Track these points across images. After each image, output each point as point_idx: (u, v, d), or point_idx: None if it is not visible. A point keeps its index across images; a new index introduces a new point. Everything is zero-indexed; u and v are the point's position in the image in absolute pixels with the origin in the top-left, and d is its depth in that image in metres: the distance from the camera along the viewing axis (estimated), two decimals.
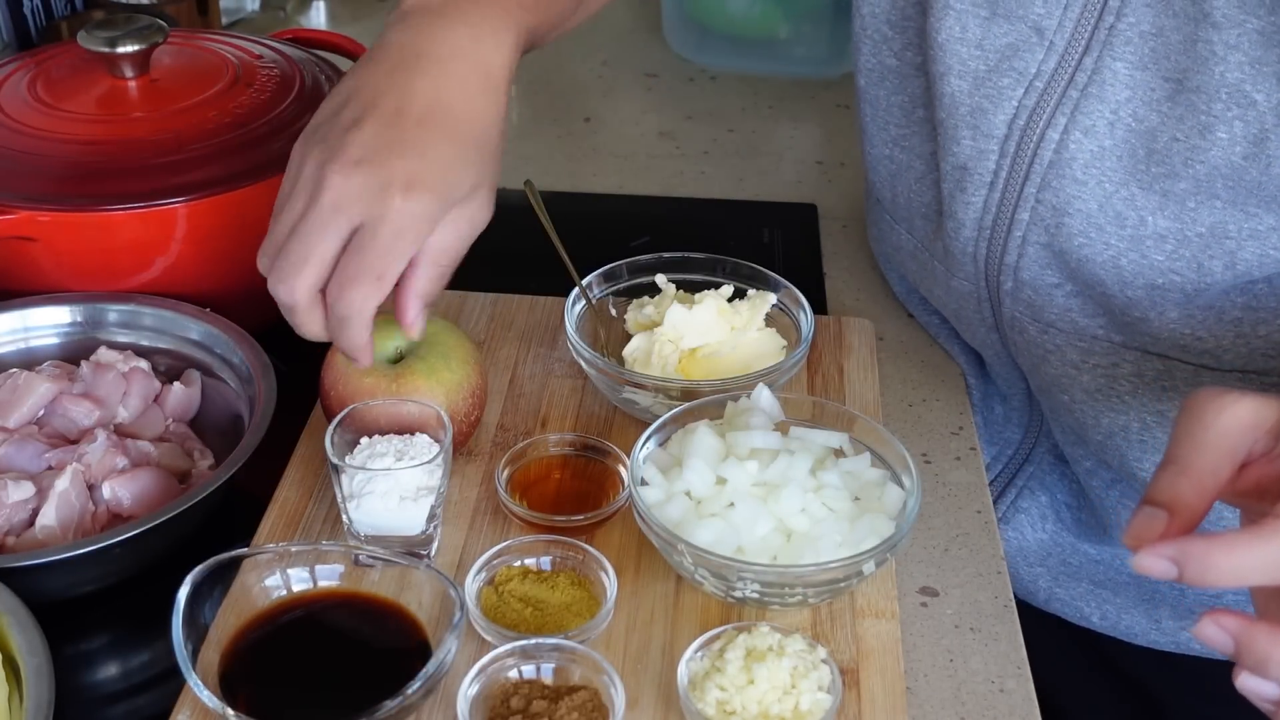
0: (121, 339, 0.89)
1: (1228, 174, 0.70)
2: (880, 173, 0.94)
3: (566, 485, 0.81)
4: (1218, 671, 0.90)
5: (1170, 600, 0.89)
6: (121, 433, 0.83)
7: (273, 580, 0.70)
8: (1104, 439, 0.82)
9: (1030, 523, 0.93)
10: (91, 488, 0.78)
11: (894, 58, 0.87)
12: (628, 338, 0.89)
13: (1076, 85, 0.74)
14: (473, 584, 0.72)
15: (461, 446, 0.83)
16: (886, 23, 0.87)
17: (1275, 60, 0.67)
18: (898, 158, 0.91)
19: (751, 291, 0.91)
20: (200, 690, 0.62)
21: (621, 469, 0.80)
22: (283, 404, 0.80)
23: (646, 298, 0.92)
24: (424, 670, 0.63)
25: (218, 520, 0.80)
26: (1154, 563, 0.51)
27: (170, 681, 0.70)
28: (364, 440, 0.75)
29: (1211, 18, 0.69)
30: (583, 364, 0.86)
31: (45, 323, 0.90)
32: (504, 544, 0.74)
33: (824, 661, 0.66)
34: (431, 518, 0.74)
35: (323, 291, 0.71)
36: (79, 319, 0.90)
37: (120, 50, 0.95)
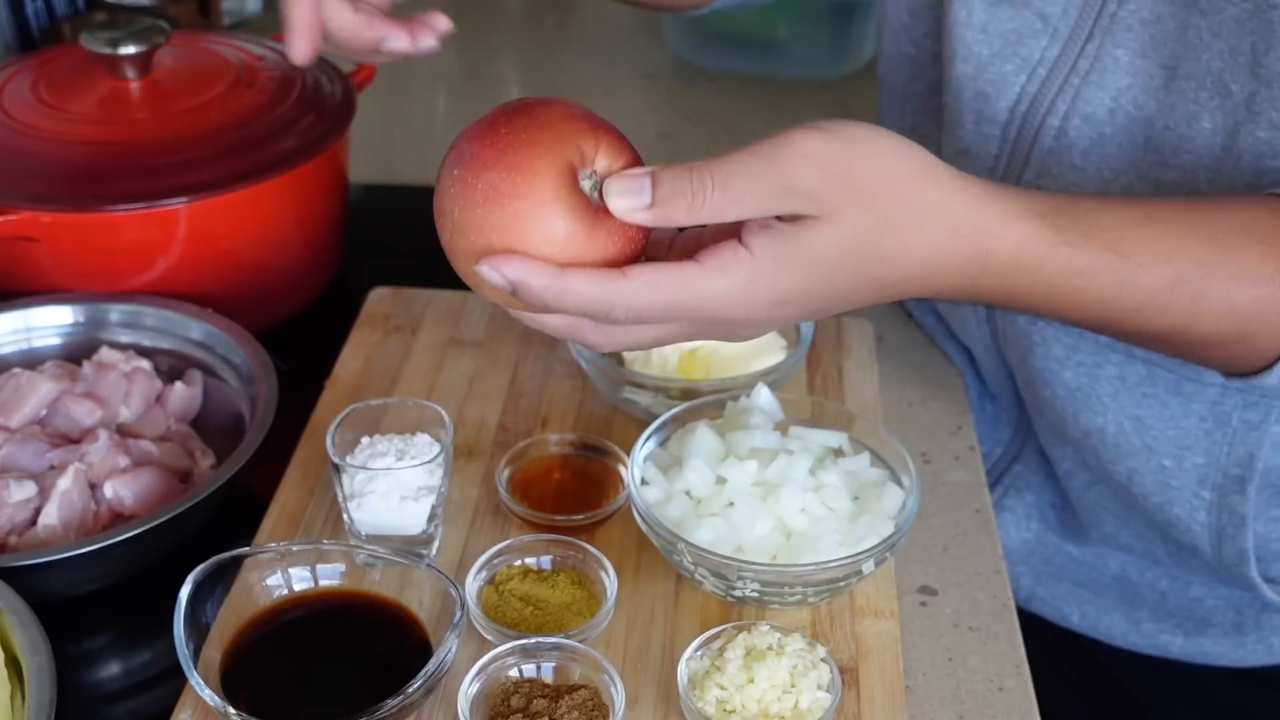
0: (123, 339, 0.90)
1: (1209, 164, 0.71)
2: None
3: (566, 485, 0.81)
4: (1197, 675, 0.90)
5: (1150, 602, 0.89)
6: (123, 432, 0.83)
7: (274, 579, 0.70)
8: (1082, 438, 0.82)
9: (1015, 521, 0.93)
10: (93, 487, 0.78)
11: (911, 45, 0.88)
12: None
13: (1078, 72, 0.75)
14: (473, 583, 0.72)
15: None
16: (907, 10, 0.87)
17: (1248, 50, 0.68)
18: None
19: None
20: (202, 689, 0.62)
21: (621, 469, 0.80)
22: (284, 404, 0.81)
23: None
24: (425, 669, 0.63)
25: (219, 519, 0.81)
26: (494, 276, 0.55)
27: (172, 680, 0.70)
28: (365, 440, 0.75)
29: (1199, 4, 0.69)
30: (583, 364, 0.87)
31: (47, 323, 0.90)
32: (504, 543, 0.74)
33: (823, 660, 0.66)
34: (432, 517, 0.74)
35: None
36: (81, 319, 0.90)
37: (122, 51, 0.95)
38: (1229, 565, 0.82)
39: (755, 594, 0.71)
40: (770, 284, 0.56)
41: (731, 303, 0.56)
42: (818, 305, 0.58)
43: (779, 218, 0.56)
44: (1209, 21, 0.69)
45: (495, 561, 0.73)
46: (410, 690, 0.62)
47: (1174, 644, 0.89)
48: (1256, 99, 0.68)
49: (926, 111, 0.88)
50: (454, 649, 0.65)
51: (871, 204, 0.56)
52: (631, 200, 0.56)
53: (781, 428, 0.78)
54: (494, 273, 0.55)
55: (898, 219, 0.57)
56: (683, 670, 0.66)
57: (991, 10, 0.77)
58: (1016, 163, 0.79)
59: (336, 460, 0.73)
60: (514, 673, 0.67)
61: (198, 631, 0.65)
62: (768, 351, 0.87)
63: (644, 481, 0.75)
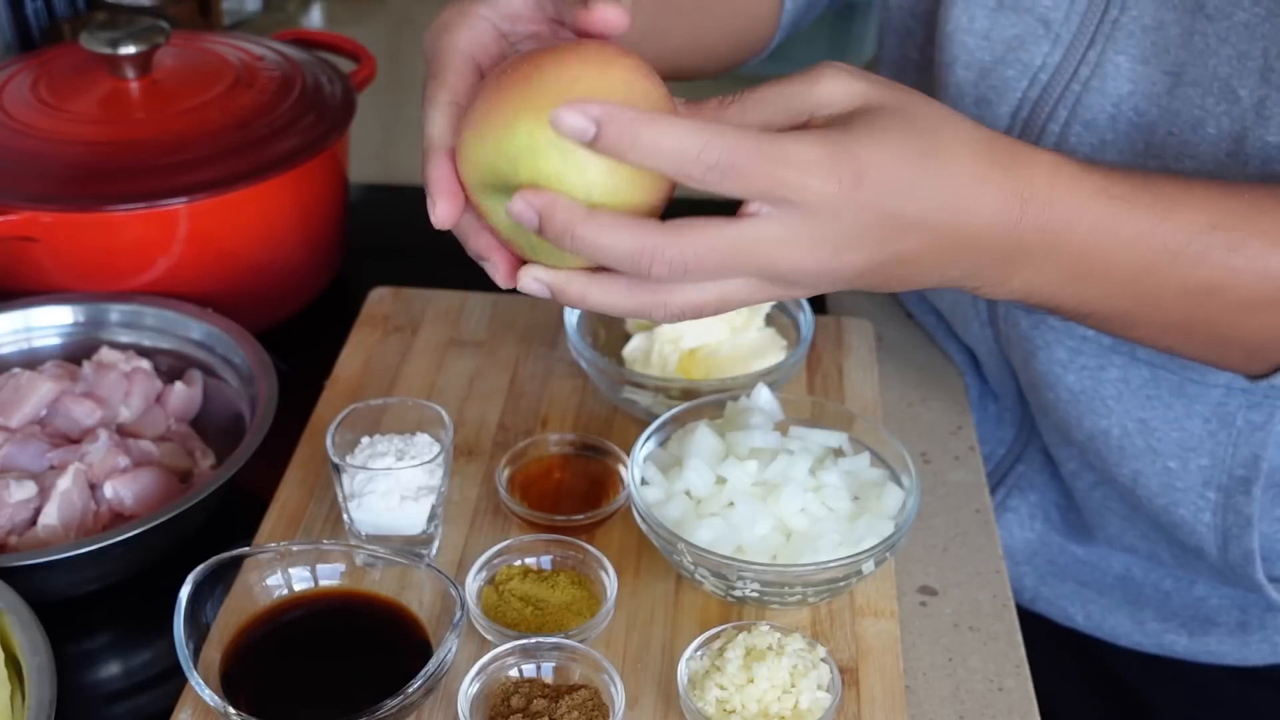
0: (123, 339, 0.90)
1: (1214, 170, 0.71)
2: None
3: (566, 485, 0.81)
4: (1202, 675, 0.90)
5: (1155, 602, 0.89)
6: (123, 432, 0.83)
7: (274, 579, 0.70)
8: (1086, 441, 0.82)
9: (1019, 521, 0.93)
10: (93, 487, 0.78)
11: (916, 52, 0.87)
12: (628, 338, 0.89)
13: (1079, 79, 0.75)
14: (473, 583, 0.72)
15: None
16: (911, 16, 0.87)
17: (1259, 55, 0.68)
18: None
19: None
20: (202, 689, 0.62)
21: (621, 469, 0.80)
22: (284, 404, 0.81)
23: None
24: (425, 669, 0.63)
25: (219, 519, 0.81)
26: (574, 118, 0.51)
27: (172, 680, 0.70)
28: (365, 440, 0.75)
29: (1205, 9, 0.69)
30: (583, 364, 0.87)
31: (47, 323, 0.90)
32: (504, 543, 0.74)
33: (823, 660, 0.66)
34: (432, 517, 0.74)
35: None
36: (81, 319, 0.90)
37: (122, 51, 0.95)
38: (1234, 566, 0.82)
39: (755, 594, 0.71)
40: (849, 147, 0.54)
41: (816, 166, 0.53)
42: (891, 197, 0.55)
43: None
44: (1216, 27, 0.69)
45: (495, 561, 0.73)
46: (410, 690, 0.62)
47: (1179, 643, 0.89)
48: (1267, 104, 0.68)
49: None
50: (454, 649, 0.65)
51: (909, 104, 0.56)
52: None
53: (781, 428, 0.78)
54: (574, 114, 0.51)
55: (937, 122, 0.57)
56: (683, 670, 0.66)
57: (993, 16, 0.77)
58: None
59: (336, 460, 0.73)
60: (514, 673, 0.67)
61: (198, 631, 0.65)
62: (768, 351, 0.87)
63: (644, 481, 0.75)
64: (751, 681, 0.64)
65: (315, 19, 1.60)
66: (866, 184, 0.54)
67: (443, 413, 0.76)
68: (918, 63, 0.88)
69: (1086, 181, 0.60)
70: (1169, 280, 0.63)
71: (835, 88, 0.56)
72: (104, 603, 0.77)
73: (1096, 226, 0.60)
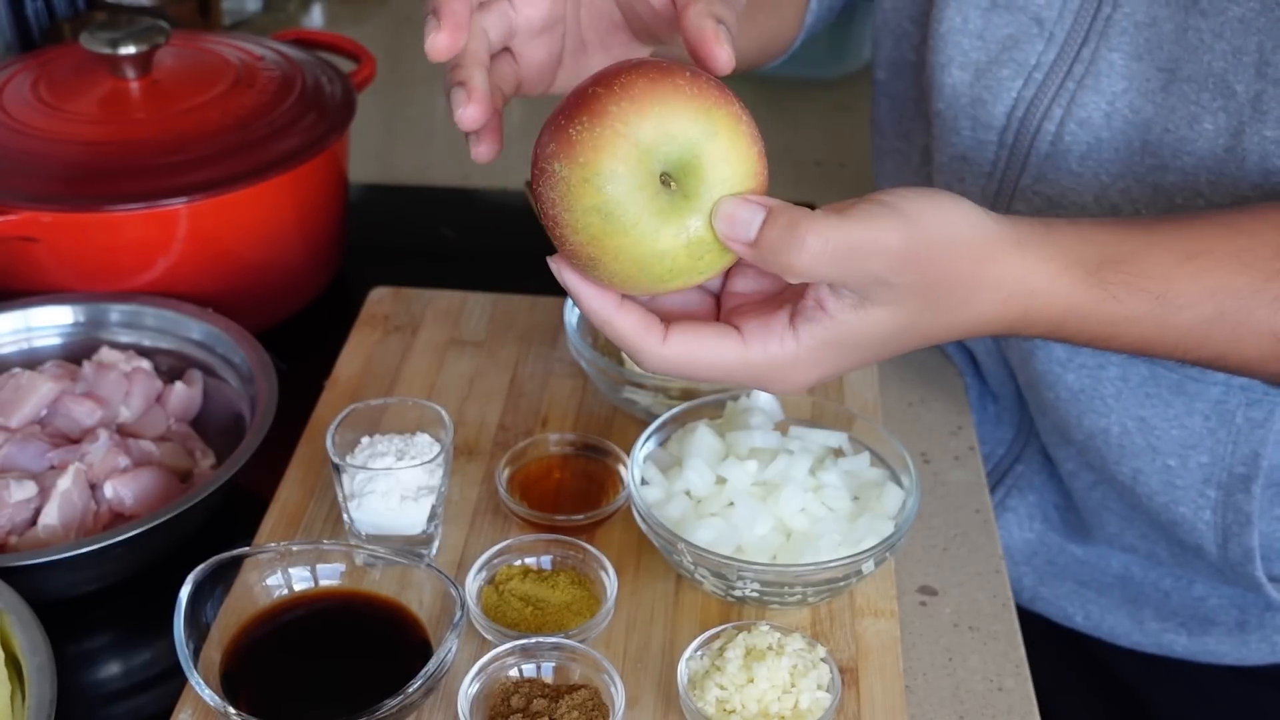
0: (123, 339, 0.90)
1: (1211, 166, 0.71)
2: (886, 166, 0.94)
3: (566, 485, 0.81)
4: (1201, 674, 0.90)
5: (1154, 602, 0.89)
6: (124, 432, 0.83)
7: (274, 579, 0.70)
8: (1085, 440, 0.82)
9: (1018, 521, 0.93)
10: (94, 487, 0.78)
11: (913, 52, 0.88)
12: None
13: (1074, 77, 0.75)
14: (473, 583, 0.72)
15: None
16: (909, 18, 0.87)
17: (1254, 49, 0.68)
18: (903, 149, 0.91)
19: None
20: (202, 689, 0.62)
21: (621, 469, 0.80)
22: (284, 404, 0.81)
23: None
24: (425, 669, 0.63)
25: (219, 519, 0.81)
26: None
27: (172, 680, 0.70)
28: (364, 440, 0.75)
29: (1200, 5, 0.69)
30: (583, 364, 0.87)
31: (48, 323, 0.90)
32: (504, 543, 0.74)
33: (823, 660, 0.66)
34: (432, 517, 0.74)
35: None
36: (81, 319, 0.90)
37: (122, 51, 0.96)
38: (1234, 565, 0.82)
39: (755, 594, 0.71)
40: (814, 361, 0.57)
41: (769, 374, 0.57)
42: (858, 366, 0.60)
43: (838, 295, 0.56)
44: (1210, 23, 0.69)
45: (495, 561, 0.73)
46: (410, 690, 0.62)
47: (1178, 643, 0.89)
48: (1263, 98, 0.68)
49: (920, 117, 0.88)
50: (454, 649, 0.65)
51: (931, 288, 0.57)
52: (736, 230, 0.53)
53: (781, 428, 0.78)
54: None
55: (949, 303, 0.58)
56: (683, 670, 0.66)
57: (987, 16, 0.77)
58: (1014, 168, 0.79)
59: (336, 460, 0.73)
60: (514, 673, 0.67)
61: (198, 631, 0.65)
62: None
63: (644, 481, 0.75)
64: (751, 681, 0.64)
65: (315, 19, 1.60)
66: (825, 369, 0.58)
67: (443, 413, 0.76)
68: (913, 63, 0.88)
69: (1094, 315, 0.61)
70: (1171, 357, 0.65)
71: (882, 271, 0.54)
72: (104, 603, 0.77)
73: (1097, 340, 0.63)
